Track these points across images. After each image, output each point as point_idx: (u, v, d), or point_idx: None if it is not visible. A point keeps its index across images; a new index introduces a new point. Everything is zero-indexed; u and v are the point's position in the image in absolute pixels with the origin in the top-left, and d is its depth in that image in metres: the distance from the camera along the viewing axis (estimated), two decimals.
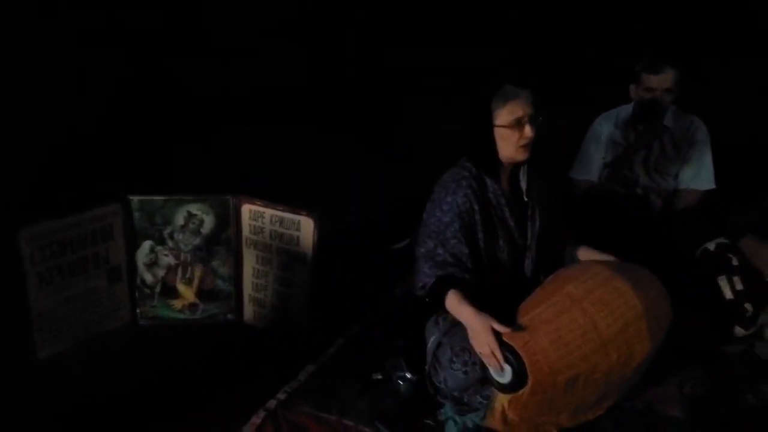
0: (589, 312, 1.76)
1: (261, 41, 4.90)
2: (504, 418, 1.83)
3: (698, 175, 2.73)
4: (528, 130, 1.91)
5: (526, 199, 2.05)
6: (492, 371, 1.76)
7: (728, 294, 2.29)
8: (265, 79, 4.81)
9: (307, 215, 2.21)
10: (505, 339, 1.75)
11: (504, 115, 1.91)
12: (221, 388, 2.10)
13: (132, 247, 2.33)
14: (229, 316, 2.46)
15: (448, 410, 1.95)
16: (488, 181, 2.00)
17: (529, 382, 1.72)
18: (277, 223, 2.28)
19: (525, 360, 1.71)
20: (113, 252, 2.28)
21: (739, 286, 2.27)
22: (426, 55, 4.97)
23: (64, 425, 1.88)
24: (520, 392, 1.75)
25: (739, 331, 2.24)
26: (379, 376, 2.10)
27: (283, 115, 4.60)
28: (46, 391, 2.02)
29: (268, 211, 2.29)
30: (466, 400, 1.94)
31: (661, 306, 1.86)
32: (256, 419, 1.90)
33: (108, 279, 2.30)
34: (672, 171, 2.77)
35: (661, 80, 2.62)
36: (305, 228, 2.22)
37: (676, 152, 2.75)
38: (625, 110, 2.84)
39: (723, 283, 2.31)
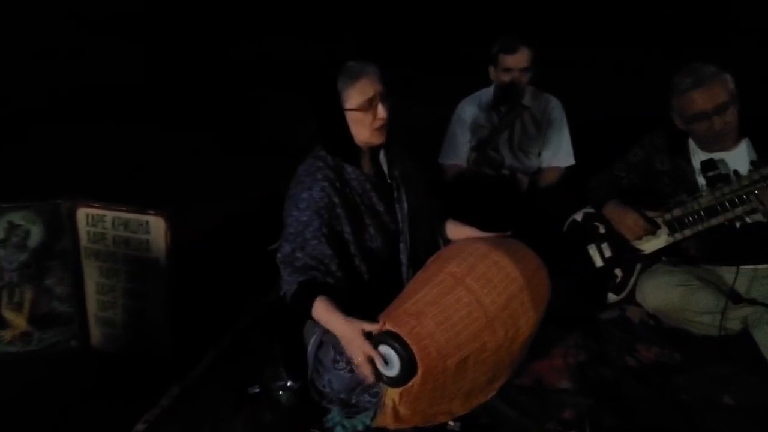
0: (473, 289, 1.70)
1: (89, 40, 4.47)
2: (396, 413, 1.71)
3: (558, 153, 2.84)
4: (381, 111, 1.79)
5: (389, 181, 1.93)
6: (379, 365, 1.62)
7: (598, 262, 2.35)
8: (94, 78, 4.39)
9: (157, 214, 1.94)
10: (389, 327, 1.62)
11: (354, 97, 1.77)
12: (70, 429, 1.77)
13: None
14: (73, 342, 2.10)
15: (335, 415, 1.79)
16: (348, 168, 1.85)
17: (419, 371, 1.60)
18: (122, 227, 1.97)
19: (413, 347, 1.59)
20: None
21: (608, 253, 2.34)
22: (280, 47, 4.78)
23: None
24: (411, 383, 1.62)
25: (611, 297, 2.30)
26: (257, 389, 1.90)
27: (120, 115, 4.22)
28: None
29: (110, 214, 1.97)
30: (354, 401, 1.79)
31: (540, 276, 1.85)
32: None
33: None
34: (534, 150, 2.85)
35: (517, 59, 2.69)
36: (155, 229, 1.94)
37: (537, 131, 2.83)
38: (487, 93, 2.89)
39: (593, 251, 2.37)
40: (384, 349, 1.62)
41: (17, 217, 1.96)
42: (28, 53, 4.97)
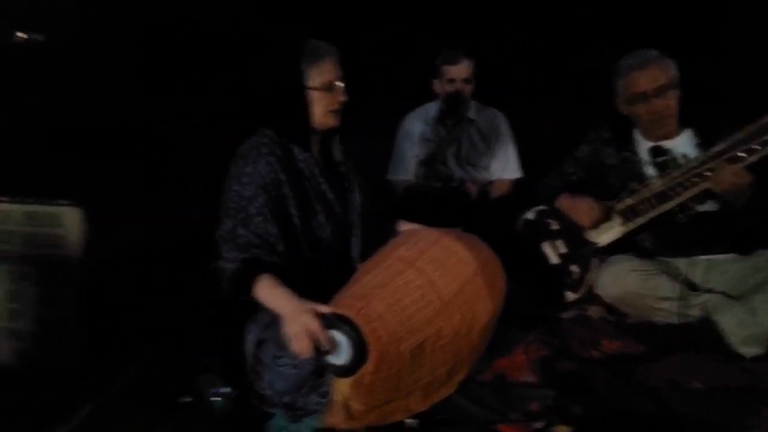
0: (425, 272, 1.59)
1: None
2: (347, 410, 1.53)
3: (507, 167, 2.85)
4: (341, 93, 1.74)
5: (343, 169, 1.84)
6: (326, 351, 1.45)
7: (554, 258, 2.27)
8: None
9: (71, 205, 1.74)
10: (336, 310, 1.47)
11: (317, 76, 1.72)
12: None
13: None
14: None
15: (278, 420, 1.59)
16: (296, 150, 1.75)
17: (371, 356, 1.44)
18: (30, 223, 1.76)
19: (362, 329, 1.44)
20: None
21: (562, 249, 2.26)
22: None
23: None
24: (362, 372, 1.46)
25: (570, 295, 2.21)
26: (188, 399, 1.67)
27: None
28: None
29: (16, 208, 1.77)
30: (300, 403, 1.60)
31: (494, 265, 1.76)
32: None
33: None
34: (483, 163, 2.86)
35: (459, 70, 2.74)
36: (69, 222, 1.75)
37: (485, 145, 2.86)
38: (433, 107, 2.89)
39: (547, 248, 2.29)
40: (333, 333, 1.46)
41: None
42: None
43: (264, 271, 1.54)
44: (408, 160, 2.88)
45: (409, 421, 1.58)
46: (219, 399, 1.63)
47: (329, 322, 1.45)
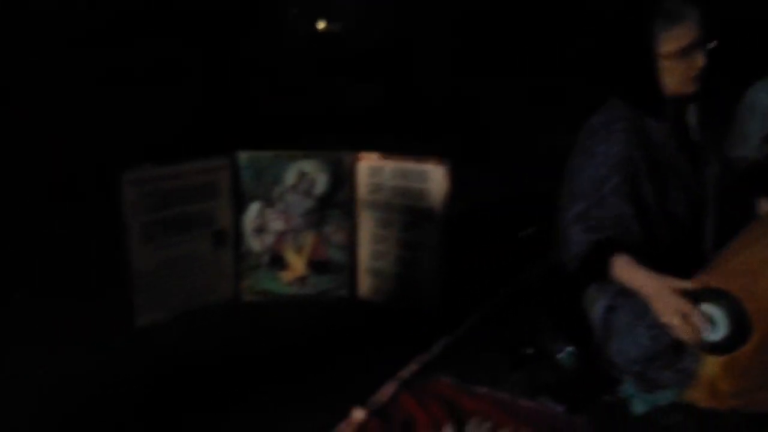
0: None
1: None
2: (712, 389, 1.42)
3: None
4: (699, 60, 1.58)
5: (697, 138, 1.69)
6: (700, 327, 1.37)
7: None
8: None
9: (437, 164, 1.92)
10: (713, 284, 1.37)
11: (670, 42, 1.58)
12: (337, 365, 1.79)
13: (239, 209, 2.09)
14: (342, 291, 2.16)
15: (628, 388, 1.56)
16: (649, 121, 1.65)
17: (753, 336, 1.32)
18: (400, 177, 1.99)
19: (745, 306, 1.32)
20: (219, 212, 2.05)
21: None
22: None
23: (158, 395, 1.61)
24: (739, 352, 1.35)
25: None
26: (531, 351, 1.74)
27: None
28: (143, 360, 1.77)
29: (390, 165, 2.01)
30: (651, 375, 1.54)
31: None
32: (389, 388, 1.57)
33: (212, 243, 2.06)
34: None
35: None
36: (434, 179, 1.92)
37: None
38: None
39: None
40: (707, 308, 1.37)
41: (307, 166, 2.09)
42: None
43: (620, 252, 1.51)
44: (751, 135, 2.57)
45: None
46: (565, 355, 1.67)
47: (706, 295, 1.37)
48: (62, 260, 2.39)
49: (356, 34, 5.32)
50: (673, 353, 1.49)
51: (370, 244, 2.12)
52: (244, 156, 2.06)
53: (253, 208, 2.10)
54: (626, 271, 1.48)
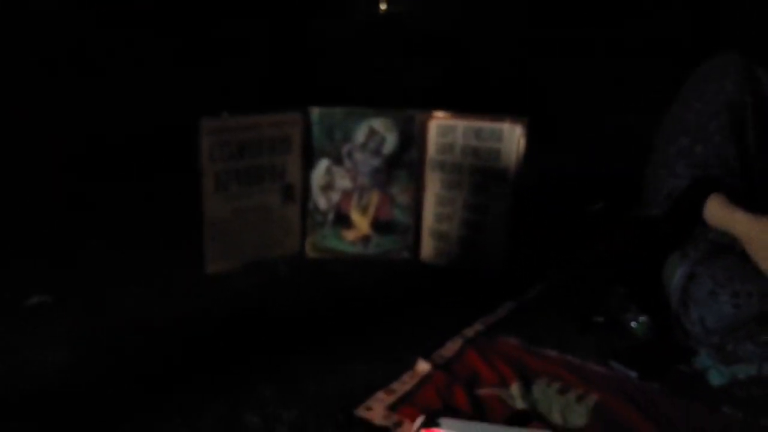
0: None
1: None
2: None
3: None
4: None
5: None
6: None
7: None
8: None
9: (513, 122, 1.87)
10: None
11: None
12: (400, 323, 1.78)
13: (308, 165, 2.11)
14: (404, 253, 2.16)
15: (705, 359, 1.49)
16: (761, 72, 1.57)
17: None
18: (472, 137, 1.96)
19: None
20: (290, 167, 2.08)
21: None
22: None
23: (225, 336, 1.64)
24: None
25: None
26: (601, 320, 1.69)
27: None
28: (211, 304, 1.81)
29: (462, 123, 1.97)
30: (730, 347, 1.47)
31: None
32: (454, 344, 1.56)
33: (282, 197, 2.09)
34: None
35: None
36: (508, 138, 1.88)
37: None
38: None
39: None
40: None
41: (377, 123, 2.08)
42: None
43: (720, 191, 1.44)
44: None
45: None
46: (638, 325, 1.61)
47: None
48: (139, 211, 2.49)
49: (418, 17, 5.34)
50: (756, 325, 1.42)
51: (436, 206, 2.10)
52: (315, 111, 2.06)
53: (322, 165, 2.11)
54: (724, 210, 1.42)
